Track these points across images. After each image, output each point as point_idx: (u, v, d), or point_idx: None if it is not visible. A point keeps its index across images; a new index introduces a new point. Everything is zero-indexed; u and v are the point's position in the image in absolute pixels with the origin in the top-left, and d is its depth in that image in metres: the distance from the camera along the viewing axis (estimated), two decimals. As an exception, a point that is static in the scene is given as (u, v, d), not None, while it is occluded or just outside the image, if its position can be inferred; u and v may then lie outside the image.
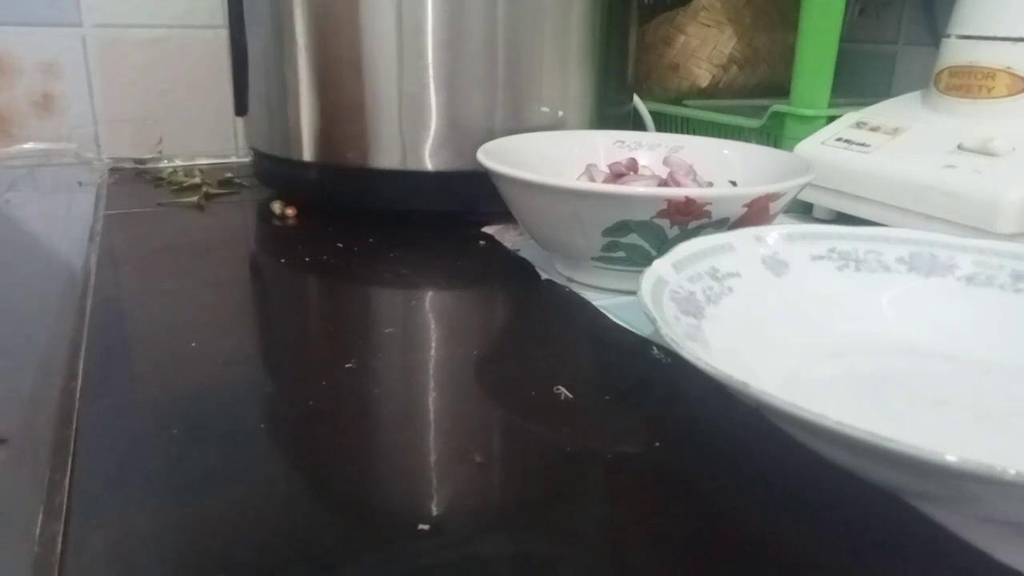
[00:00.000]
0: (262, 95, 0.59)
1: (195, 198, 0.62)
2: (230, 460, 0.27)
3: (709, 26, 0.73)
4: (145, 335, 0.38)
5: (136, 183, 0.69)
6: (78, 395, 0.31)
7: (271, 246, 0.54)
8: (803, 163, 0.45)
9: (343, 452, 0.28)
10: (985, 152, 0.47)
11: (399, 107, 0.53)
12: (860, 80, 0.78)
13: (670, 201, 0.37)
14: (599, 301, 0.42)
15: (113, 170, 0.73)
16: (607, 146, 0.54)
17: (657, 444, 0.28)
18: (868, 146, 0.53)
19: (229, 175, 0.70)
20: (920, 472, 0.22)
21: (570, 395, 0.32)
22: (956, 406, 0.30)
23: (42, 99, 0.72)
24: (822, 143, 0.55)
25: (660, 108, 0.72)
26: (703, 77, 0.74)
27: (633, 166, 0.50)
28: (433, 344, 0.38)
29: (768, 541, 0.24)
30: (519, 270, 0.47)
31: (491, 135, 0.51)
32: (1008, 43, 0.48)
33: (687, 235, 0.38)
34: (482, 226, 0.54)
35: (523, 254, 0.49)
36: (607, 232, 0.39)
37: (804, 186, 0.41)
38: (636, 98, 0.66)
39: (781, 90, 0.65)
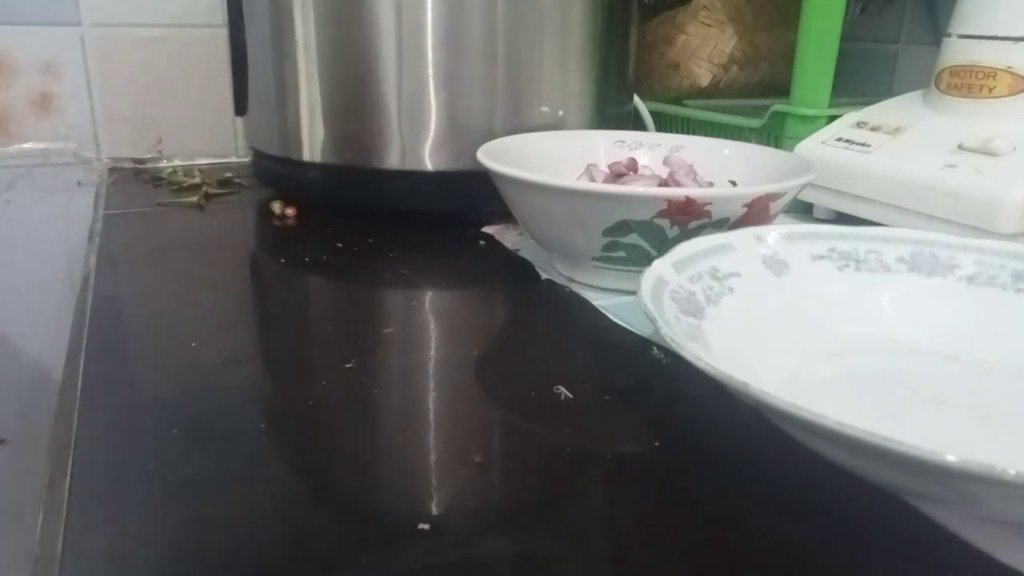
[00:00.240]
0: (262, 95, 0.59)
1: (195, 198, 0.62)
2: (230, 460, 0.27)
3: (710, 25, 0.73)
4: (145, 335, 0.38)
5: (135, 183, 0.69)
6: (78, 395, 0.31)
7: (271, 246, 0.54)
8: (803, 163, 0.45)
9: (343, 452, 0.28)
10: (986, 152, 0.47)
11: (399, 107, 0.53)
12: (861, 79, 0.78)
13: (670, 201, 0.37)
14: (599, 301, 0.42)
15: (112, 170, 0.73)
16: (607, 146, 0.53)
17: (657, 444, 0.28)
18: (869, 146, 0.52)
19: (229, 175, 0.69)
20: (920, 472, 0.22)
21: (570, 395, 0.32)
22: (956, 406, 0.30)
23: (41, 98, 0.72)
24: (823, 143, 0.55)
25: (660, 108, 0.72)
26: (704, 76, 0.74)
27: (633, 166, 0.50)
28: (433, 344, 0.38)
29: (768, 541, 0.24)
30: (519, 270, 0.47)
31: (491, 135, 0.51)
32: (1009, 43, 0.48)
33: (687, 235, 0.38)
34: (482, 226, 0.54)
35: (523, 254, 0.49)
36: (607, 232, 0.39)
37: (804, 186, 0.41)
38: (636, 98, 0.66)
39: (782, 89, 0.65)
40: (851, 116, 0.56)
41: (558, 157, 0.51)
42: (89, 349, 0.35)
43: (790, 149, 0.56)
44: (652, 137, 0.55)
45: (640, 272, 0.32)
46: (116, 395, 0.31)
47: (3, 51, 0.70)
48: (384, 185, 0.55)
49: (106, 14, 0.72)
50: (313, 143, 0.56)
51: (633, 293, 0.34)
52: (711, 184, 0.49)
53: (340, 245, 0.51)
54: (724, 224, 0.39)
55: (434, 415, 0.31)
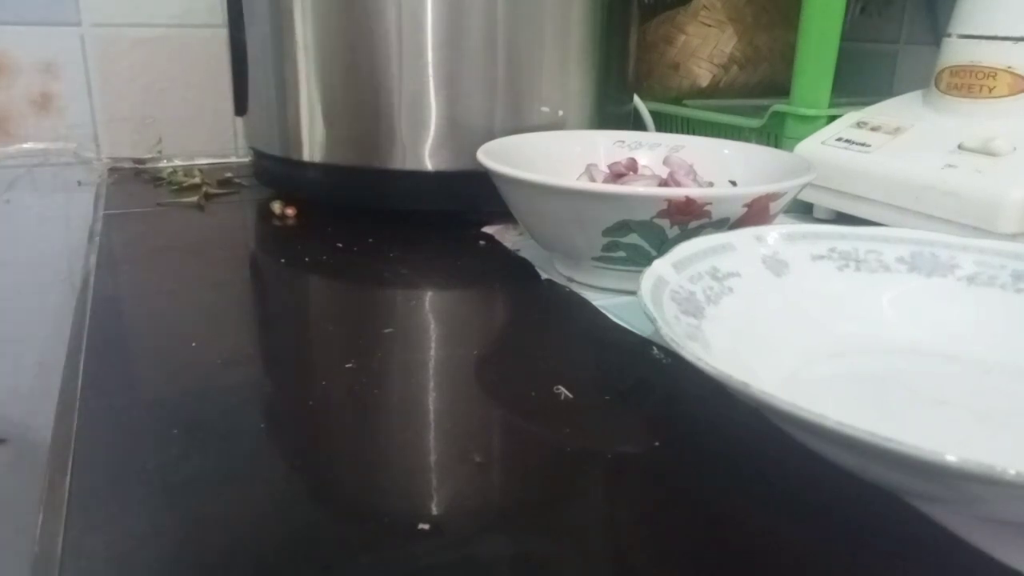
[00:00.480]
0: (262, 95, 0.59)
1: (195, 198, 0.62)
2: (230, 460, 0.27)
3: (710, 25, 0.73)
4: (145, 335, 0.38)
5: (135, 183, 0.69)
6: (78, 395, 0.31)
7: (271, 246, 0.54)
8: (803, 163, 0.45)
9: (343, 452, 0.28)
10: (986, 152, 0.47)
11: (399, 107, 0.53)
12: (861, 79, 0.78)
13: (670, 201, 0.37)
14: (599, 301, 0.42)
15: (112, 170, 0.73)
16: (607, 146, 0.53)
17: (657, 444, 0.28)
18: (869, 146, 0.52)
19: (229, 175, 0.69)
20: (920, 472, 0.22)
21: (570, 395, 0.32)
22: (956, 406, 0.30)
23: (41, 98, 0.72)
24: (823, 143, 0.55)
25: (660, 108, 0.72)
26: (704, 76, 0.74)
27: (633, 166, 0.50)
28: (433, 344, 0.38)
29: (768, 541, 0.24)
30: (519, 270, 0.47)
31: (491, 135, 0.51)
32: (1009, 43, 0.48)
33: (687, 235, 0.38)
34: (482, 226, 0.54)
35: (523, 254, 0.49)
36: (607, 232, 0.39)
37: (804, 186, 0.41)
38: (636, 98, 0.66)
39: (782, 89, 0.65)
40: (851, 116, 0.56)
41: (558, 157, 0.51)
42: (89, 349, 0.35)
43: (790, 149, 0.56)
44: (652, 137, 0.55)
45: (640, 272, 0.32)
46: (116, 395, 0.31)
47: (3, 51, 0.70)
48: (384, 185, 0.55)
49: (106, 14, 0.72)
50: (313, 143, 0.56)
51: (633, 293, 0.34)
52: (711, 184, 0.49)
53: (340, 245, 0.51)
54: (724, 224, 0.39)
55: (434, 415, 0.31)
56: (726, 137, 0.58)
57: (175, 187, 0.66)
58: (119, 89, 0.74)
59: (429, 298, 0.44)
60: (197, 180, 0.66)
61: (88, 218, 0.63)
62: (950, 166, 0.47)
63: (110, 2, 0.72)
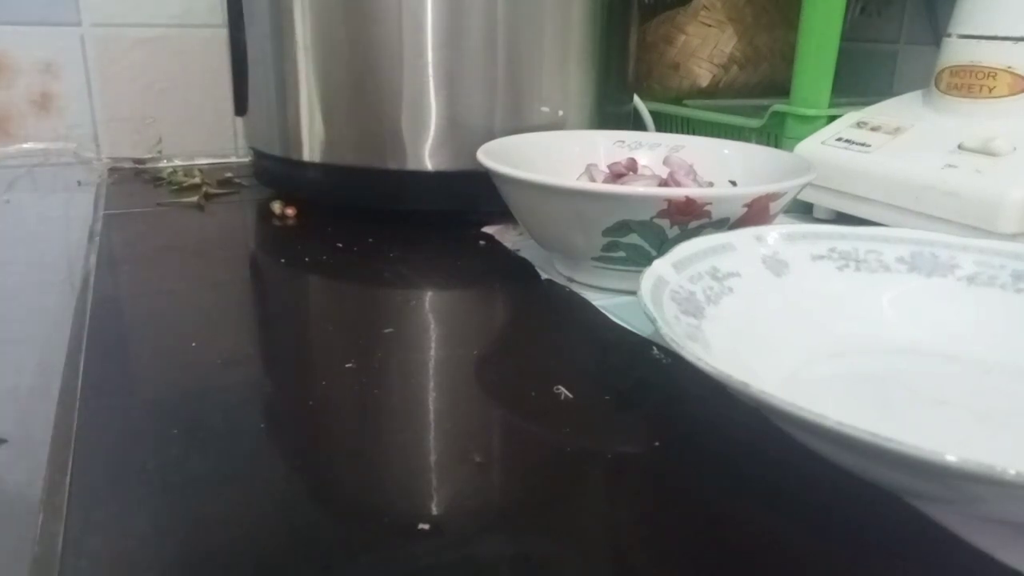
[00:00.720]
0: (262, 95, 0.59)
1: (195, 198, 0.62)
2: (230, 460, 0.27)
3: (710, 25, 0.73)
4: (145, 335, 0.38)
5: (135, 183, 0.69)
6: (78, 395, 0.31)
7: (271, 246, 0.54)
8: (803, 163, 0.45)
9: (343, 452, 0.28)
10: (986, 152, 0.47)
11: (399, 107, 0.53)
12: (861, 79, 0.78)
13: (670, 201, 0.37)
14: (599, 301, 0.42)
15: (112, 170, 0.73)
16: (607, 146, 0.53)
17: (657, 444, 0.28)
18: (869, 146, 0.52)
19: (229, 175, 0.69)
20: (920, 472, 0.22)
21: (570, 395, 0.32)
22: (956, 406, 0.30)
23: (41, 98, 0.72)
24: (822, 143, 0.55)
25: (660, 108, 0.72)
26: (704, 76, 0.74)
27: (633, 166, 0.50)
28: (433, 344, 0.38)
29: (768, 541, 0.24)
30: (519, 270, 0.47)
31: (491, 135, 0.51)
32: (1009, 43, 0.48)
33: (687, 235, 0.38)
34: (482, 226, 0.54)
35: (523, 254, 0.49)
36: (607, 232, 0.39)
37: (804, 186, 0.41)
38: (636, 98, 0.66)
39: (782, 89, 0.65)
40: (851, 116, 0.56)
41: (558, 157, 0.51)
42: (89, 349, 0.35)
43: (790, 149, 0.56)
44: (652, 137, 0.55)
45: (640, 272, 0.32)
46: (116, 395, 0.31)
47: (3, 51, 0.70)
48: (384, 185, 0.55)
49: (106, 14, 0.72)
50: (313, 143, 0.56)
51: (633, 293, 0.34)
52: (711, 184, 0.49)
53: (340, 245, 0.51)
54: (724, 224, 0.39)
55: (434, 415, 0.31)
56: (726, 137, 0.58)
57: (175, 187, 0.66)
58: (119, 89, 0.74)
59: (429, 298, 0.44)
60: (197, 180, 0.66)
61: (88, 218, 0.63)
62: (950, 166, 0.47)
63: (110, 2, 0.72)
